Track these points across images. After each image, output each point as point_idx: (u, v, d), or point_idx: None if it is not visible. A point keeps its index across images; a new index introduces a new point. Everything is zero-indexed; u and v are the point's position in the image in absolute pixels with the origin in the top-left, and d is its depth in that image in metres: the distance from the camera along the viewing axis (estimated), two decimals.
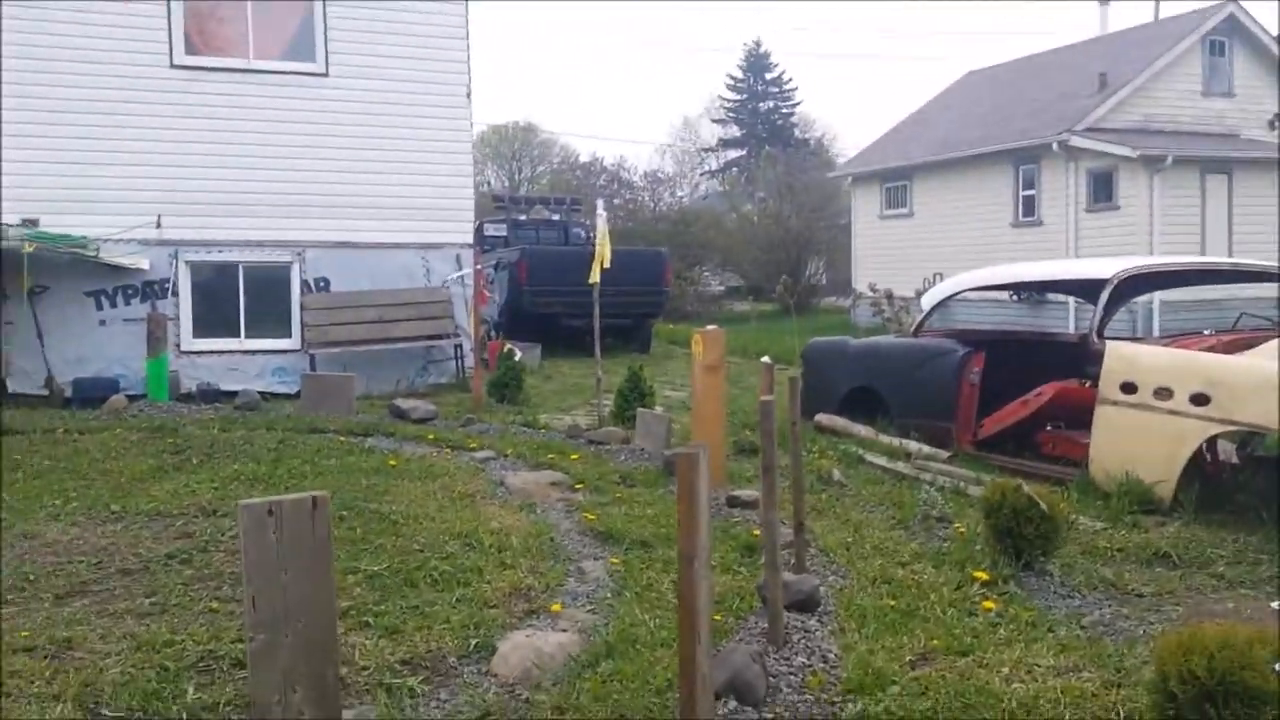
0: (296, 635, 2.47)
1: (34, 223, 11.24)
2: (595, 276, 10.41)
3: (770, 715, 3.54)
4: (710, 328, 7.91)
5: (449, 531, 6.16)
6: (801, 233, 32.06)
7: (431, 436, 9.47)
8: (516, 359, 12.12)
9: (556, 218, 23.00)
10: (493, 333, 15.05)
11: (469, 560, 5.61)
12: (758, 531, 6.16)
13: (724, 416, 7.95)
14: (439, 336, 13.14)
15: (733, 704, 3.53)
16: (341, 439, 9.24)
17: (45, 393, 11.26)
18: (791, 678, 3.97)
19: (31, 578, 5.28)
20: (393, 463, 8.18)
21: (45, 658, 4.26)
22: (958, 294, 10.23)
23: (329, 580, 2.53)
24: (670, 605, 4.97)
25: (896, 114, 42.02)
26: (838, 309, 29.91)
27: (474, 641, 4.45)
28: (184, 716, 3.74)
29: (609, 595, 5.19)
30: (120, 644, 4.41)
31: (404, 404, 10.65)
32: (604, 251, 10.41)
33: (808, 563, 5.42)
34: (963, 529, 6.25)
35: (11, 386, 11.30)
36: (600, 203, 11.62)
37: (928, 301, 10.29)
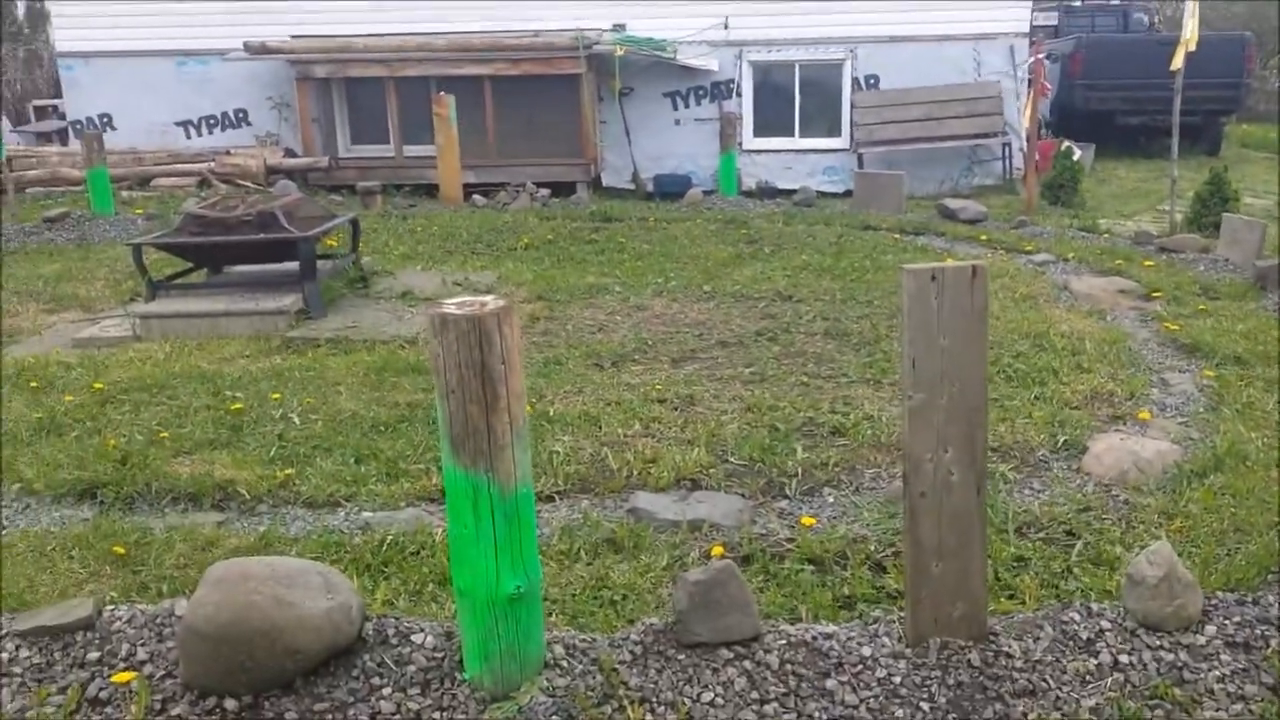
0: (951, 398, 2.62)
1: (622, 27, 12.43)
2: (1178, 61, 9.31)
3: None
4: None
5: (1017, 331, 6.17)
6: None
7: (984, 237, 9.33)
8: (1075, 158, 11.33)
9: (1115, 2, 20.81)
10: (1044, 131, 14.16)
11: (1041, 360, 5.61)
12: None
13: None
14: (987, 135, 12.67)
15: None
16: (894, 236, 9.45)
17: (631, 186, 12.73)
18: None
19: (650, 343, 6.18)
20: (950, 261, 8.22)
21: (675, 409, 5.02)
22: None
23: (983, 347, 2.61)
24: (1277, 426, 4.61)
25: None
26: None
27: (1062, 439, 4.49)
28: (799, 471, 4.24)
29: (1201, 409, 4.93)
30: (731, 404, 5.06)
31: (952, 204, 10.53)
32: (1193, 35, 9.26)
33: None
34: None
35: (605, 180, 12.92)
36: None
37: None
